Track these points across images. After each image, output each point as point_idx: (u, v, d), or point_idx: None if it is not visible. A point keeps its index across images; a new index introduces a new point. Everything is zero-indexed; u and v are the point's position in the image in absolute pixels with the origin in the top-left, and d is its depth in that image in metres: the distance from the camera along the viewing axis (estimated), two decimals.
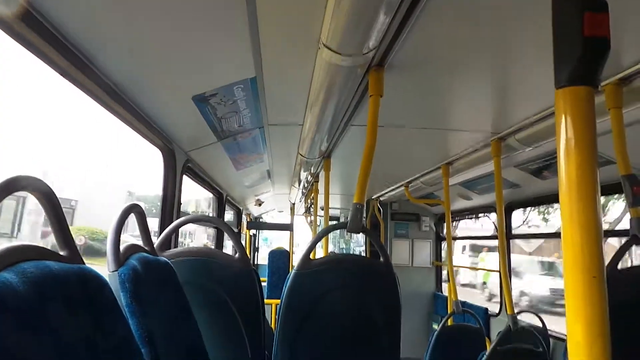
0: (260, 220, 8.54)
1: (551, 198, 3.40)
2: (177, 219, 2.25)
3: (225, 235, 4.38)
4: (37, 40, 1.11)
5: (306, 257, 1.71)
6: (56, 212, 0.90)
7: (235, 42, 1.45)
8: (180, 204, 2.38)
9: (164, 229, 1.82)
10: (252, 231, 7.46)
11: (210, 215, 4.07)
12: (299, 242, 8.87)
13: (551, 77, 1.71)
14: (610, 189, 2.54)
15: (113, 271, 1.14)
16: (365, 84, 1.73)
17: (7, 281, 0.68)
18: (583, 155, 0.68)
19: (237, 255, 1.83)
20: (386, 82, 1.66)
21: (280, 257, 6.26)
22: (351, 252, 8.38)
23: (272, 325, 4.45)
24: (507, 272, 2.63)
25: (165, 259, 1.48)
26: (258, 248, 8.52)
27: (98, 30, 1.24)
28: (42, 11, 1.08)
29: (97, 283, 0.96)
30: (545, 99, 1.91)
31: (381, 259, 1.76)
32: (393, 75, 1.67)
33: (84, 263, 0.95)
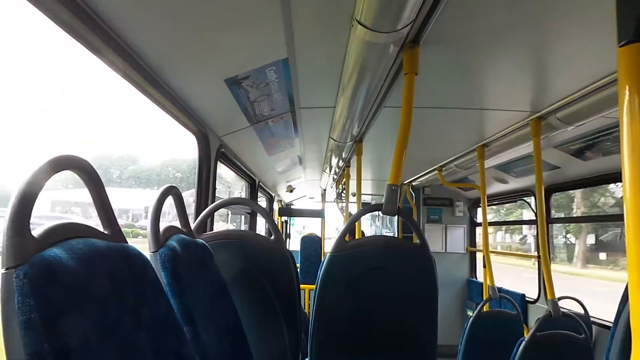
0: (292, 206, 8.60)
1: (594, 180, 3.25)
2: (212, 203, 2.28)
3: (258, 220, 4.44)
4: (70, 19, 1.12)
5: (341, 239, 1.71)
6: (100, 192, 0.92)
7: (267, 22, 1.43)
8: (215, 188, 2.42)
9: (200, 213, 1.86)
10: (284, 218, 7.52)
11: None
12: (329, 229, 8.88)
13: (596, 50, 1.60)
14: None
15: (154, 252, 1.17)
16: (399, 63, 1.69)
17: (57, 256, 0.70)
18: None
19: (272, 237, 1.85)
20: (420, 60, 1.62)
21: (312, 244, 6.30)
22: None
23: (306, 310, 4.50)
24: (547, 257, 2.54)
25: (202, 241, 1.50)
26: (290, 235, 8.60)
27: (131, 12, 1.25)
28: None
29: (139, 261, 0.98)
30: (590, 74, 1.81)
31: (417, 241, 1.74)
32: (427, 52, 1.62)
33: (126, 242, 0.98)
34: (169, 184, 1.33)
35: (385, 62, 1.59)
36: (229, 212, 4.99)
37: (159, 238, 1.20)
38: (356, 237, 2.83)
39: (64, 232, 0.77)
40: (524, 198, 4.42)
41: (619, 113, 0.64)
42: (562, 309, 2.41)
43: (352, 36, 1.44)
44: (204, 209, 1.88)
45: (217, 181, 2.46)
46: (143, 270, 0.98)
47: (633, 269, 0.61)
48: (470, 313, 4.87)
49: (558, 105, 2.17)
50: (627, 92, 0.63)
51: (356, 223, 3.31)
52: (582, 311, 3.00)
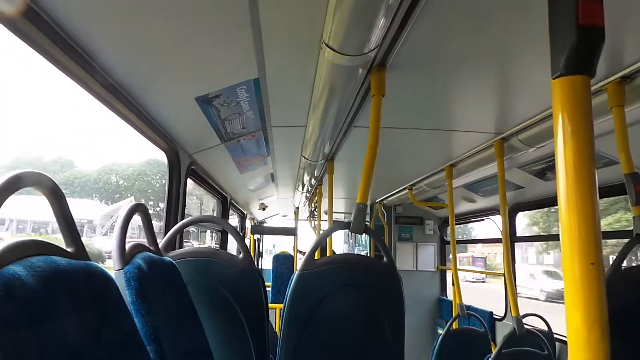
0: (264, 224, 8.54)
1: (555, 200, 3.37)
2: (181, 220, 2.26)
3: (230, 238, 4.40)
4: (40, 38, 1.12)
5: (310, 257, 1.72)
6: (63, 209, 0.91)
7: (238, 42, 1.46)
8: (185, 206, 2.39)
9: (169, 230, 1.84)
10: (256, 236, 7.45)
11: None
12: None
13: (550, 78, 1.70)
14: (614, 190, 2.54)
15: (119, 269, 1.15)
16: (368, 84, 1.74)
17: (17, 274, 0.69)
18: (580, 144, 0.68)
19: (241, 255, 1.84)
20: (388, 82, 1.67)
21: (284, 262, 6.25)
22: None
23: (277, 330, 4.43)
24: (511, 275, 2.62)
25: (170, 259, 1.49)
26: (262, 253, 8.51)
27: (101, 30, 1.25)
28: (46, 9, 1.09)
29: (103, 279, 0.96)
30: (547, 100, 1.91)
31: (385, 260, 1.76)
32: (395, 75, 1.68)
33: (90, 259, 0.96)
34: (137, 202, 1.32)
35: (353, 84, 1.63)
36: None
37: (125, 256, 1.18)
38: (327, 255, 2.84)
39: (24, 250, 0.76)
40: (491, 217, 4.54)
41: (554, 138, 0.69)
42: (527, 326, 2.47)
43: (321, 58, 1.48)
44: (173, 226, 1.86)
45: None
46: (106, 289, 0.97)
47: (568, 280, 0.66)
48: (440, 331, 4.91)
49: (519, 128, 2.26)
50: (560, 120, 0.69)
51: (327, 241, 3.32)
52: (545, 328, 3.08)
